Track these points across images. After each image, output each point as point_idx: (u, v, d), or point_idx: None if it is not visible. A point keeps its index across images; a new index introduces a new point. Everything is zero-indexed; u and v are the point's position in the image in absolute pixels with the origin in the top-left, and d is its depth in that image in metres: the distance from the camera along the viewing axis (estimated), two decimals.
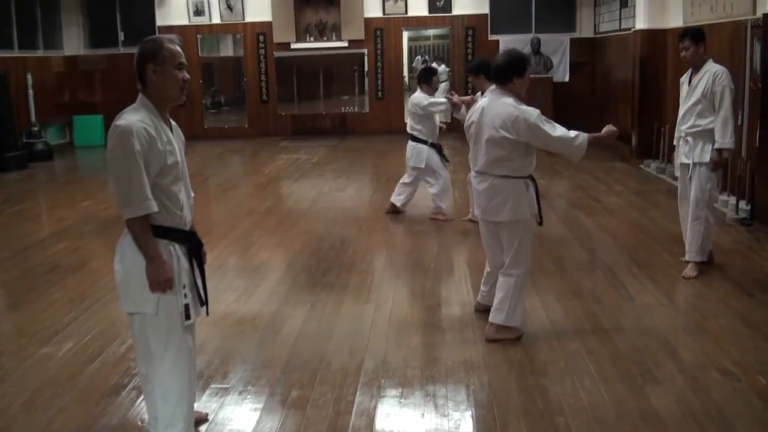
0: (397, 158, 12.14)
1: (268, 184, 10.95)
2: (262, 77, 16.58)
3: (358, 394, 3.98)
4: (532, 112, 4.43)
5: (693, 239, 5.83)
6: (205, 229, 7.94)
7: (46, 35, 15.87)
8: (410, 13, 15.92)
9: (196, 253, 3.26)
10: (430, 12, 15.83)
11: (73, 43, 16.72)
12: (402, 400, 3.91)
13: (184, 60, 3.14)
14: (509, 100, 4.52)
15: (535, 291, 5.50)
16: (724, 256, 6.27)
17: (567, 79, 14.68)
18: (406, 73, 18.84)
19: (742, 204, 7.58)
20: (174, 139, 3.17)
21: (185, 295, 3.16)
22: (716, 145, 5.63)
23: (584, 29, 15.39)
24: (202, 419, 3.71)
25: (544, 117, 4.47)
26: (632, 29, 11.39)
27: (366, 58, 16.22)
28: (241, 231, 7.87)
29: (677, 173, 6.13)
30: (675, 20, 9.97)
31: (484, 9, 15.69)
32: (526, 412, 3.73)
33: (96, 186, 10.72)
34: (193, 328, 3.35)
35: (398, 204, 8.23)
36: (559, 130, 4.45)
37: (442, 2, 15.77)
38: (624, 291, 5.55)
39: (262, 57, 16.51)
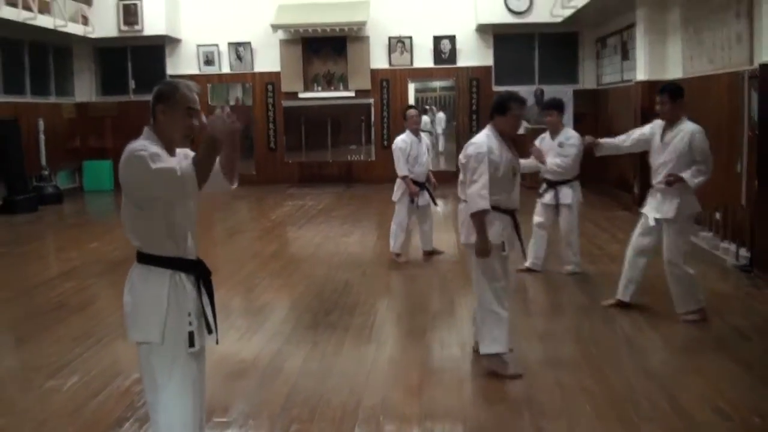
0: None
1: (273, 229, 11.09)
2: (270, 125, 16.88)
3: (356, 430, 4.04)
4: (470, 148, 4.83)
5: (677, 293, 5.86)
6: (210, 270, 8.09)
7: (59, 82, 16.30)
8: (416, 65, 16.26)
9: (204, 281, 3.32)
10: (435, 63, 16.18)
11: (85, 90, 17.13)
12: None
13: (195, 106, 3.20)
14: (481, 134, 4.91)
15: (534, 332, 5.59)
16: (723, 302, 6.33)
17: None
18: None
19: (743, 251, 7.65)
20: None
21: (190, 323, 3.22)
22: (683, 174, 5.59)
23: (587, 81, 15.71)
24: None
25: (483, 159, 4.72)
26: (633, 81, 11.62)
27: (372, 108, 16.50)
28: (245, 273, 7.98)
29: (640, 223, 6.11)
30: (674, 72, 10.16)
31: (488, 61, 16.07)
32: None
33: (104, 228, 10.87)
34: (202, 357, 3.37)
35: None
36: (477, 185, 4.72)
37: (447, 54, 16.11)
38: (622, 333, 5.62)
39: (270, 106, 16.83)
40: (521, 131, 4.73)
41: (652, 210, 5.89)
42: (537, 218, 7.62)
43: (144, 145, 3.05)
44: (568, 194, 7.36)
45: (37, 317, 6.45)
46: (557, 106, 7.51)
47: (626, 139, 6.23)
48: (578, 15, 13.67)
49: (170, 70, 16.87)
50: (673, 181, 5.62)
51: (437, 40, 16.11)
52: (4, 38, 14.03)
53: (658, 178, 5.83)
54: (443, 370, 4.96)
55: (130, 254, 3.14)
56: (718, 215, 8.41)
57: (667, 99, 5.74)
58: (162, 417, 3.21)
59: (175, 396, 3.20)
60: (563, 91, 15.08)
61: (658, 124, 5.96)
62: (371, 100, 16.48)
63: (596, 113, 14.81)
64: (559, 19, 14.48)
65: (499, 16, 15.14)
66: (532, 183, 8.01)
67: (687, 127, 5.72)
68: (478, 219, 4.73)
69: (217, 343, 3.42)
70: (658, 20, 10.89)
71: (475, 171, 4.74)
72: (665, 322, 5.81)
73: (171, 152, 3.22)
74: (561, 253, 7.63)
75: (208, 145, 2.97)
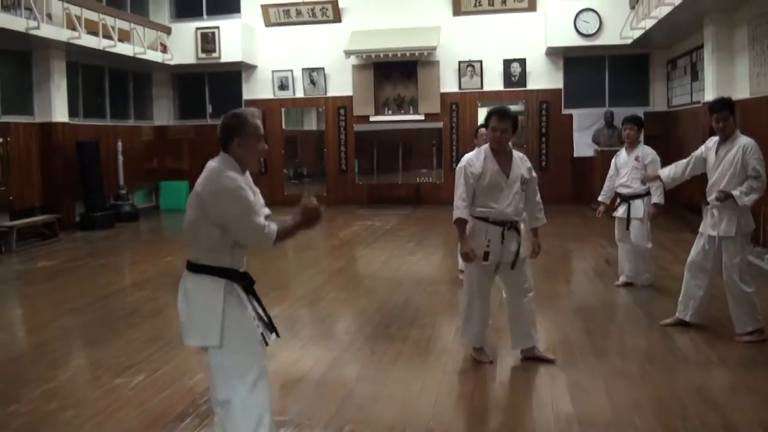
0: None
1: (341, 247, 11.37)
2: (342, 148, 17.23)
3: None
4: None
5: (735, 312, 5.82)
6: (278, 283, 8.45)
7: (138, 107, 17.10)
8: (486, 88, 16.39)
9: (251, 288, 3.56)
10: (505, 87, 16.25)
11: (163, 114, 17.90)
12: None
13: (262, 132, 3.52)
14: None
15: (592, 351, 5.65)
16: None
17: None
18: None
19: None
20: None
21: (258, 325, 3.47)
22: (732, 191, 5.60)
23: (657, 103, 15.59)
24: None
25: (461, 172, 5.23)
26: (701, 102, 11.50)
27: (442, 132, 16.68)
28: (312, 287, 8.24)
29: (699, 243, 6.05)
30: (742, 92, 10.06)
31: (558, 84, 16.11)
32: None
33: (179, 244, 11.28)
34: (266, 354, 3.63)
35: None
36: (456, 195, 5.23)
37: (516, 77, 16.19)
38: (678, 352, 5.61)
39: (342, 129, 17.18)
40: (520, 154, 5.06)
41: (709, 228, 5.88)
42: (616, 234, 7.84)
43: (235, 179, 3.34)
44: (640, 208, 7.50)
45: (109, 322, 6.86)
46: (636, 120, 7.71)
47: (686, 167, 6.18)
48: (647, 36, 13.62)
49: (246, 95, 17.47)
50: (723, 198, 5.63)
51: (507, 63, 16.22)
52: (85, 64, 14.81)
53: (713, 196, 5.82)
54: (496, 380, 5.08)
55: None
56: None
57: (728, 114, 5.72)
58: (240, 414, 3.42)
59: (251, 393, 3.42)
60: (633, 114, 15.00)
61: (712, 141, 5.96)
62: (441, 124, 16.67)
63: (667, 135, 14.64)
64: (628, 41, 14.44)
65: (569, 39, 15.18)
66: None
67: (740, 141, 5.73)
68: (458, 227, 5.21)
69: (278, 335, 3.69)
70: (725, 39, 10.82)
71: (456, 183, 5.24)
72: (723, 342, 5.78)
73: (245, 174, 3.51)
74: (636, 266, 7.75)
75: (297, 225, 3.43)
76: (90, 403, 4.73)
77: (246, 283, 3.54)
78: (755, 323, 5.77)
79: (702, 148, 6.08)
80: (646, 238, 7.54)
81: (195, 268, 3.44)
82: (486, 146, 5.27)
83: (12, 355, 5.99)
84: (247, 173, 3.59)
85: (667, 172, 6.35)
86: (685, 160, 6.21)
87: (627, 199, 7.59)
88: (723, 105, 5.80)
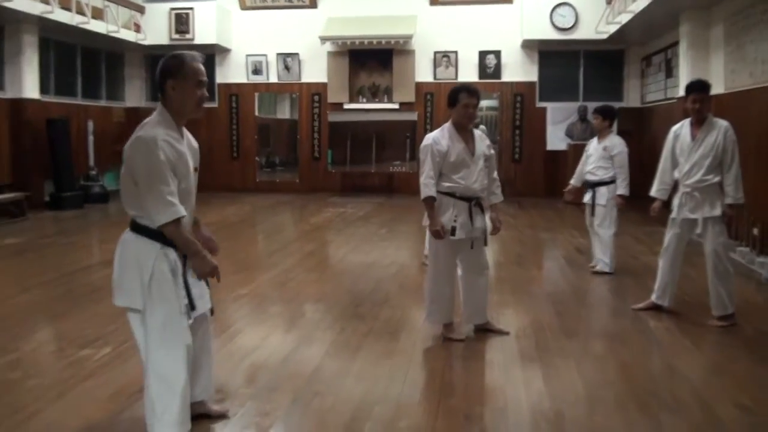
0: None
1: (312, 232, 11.25)
2: (315, 135, 17.10)
3: (375, 408, 4.12)
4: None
5: (716, 292, 5.80)
6: (247, 264, 8.33)
7: (110, 87, 16.83)
8: (460, 79, 16.29)
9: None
10: (480, 78, 16.19)
11: (135, 95, 17.61)
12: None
13: (204, 78, 3.34)
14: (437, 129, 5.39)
15: (563, 332, 5.60)
16: (757, 312, 6.25)
17: None
18: None
19: None
20: (187, 150, 3.38)
21: (184, 297, 3.34)
22: (729, 201, 5.68)
23: (631, 99, 15.69)
24: (222, 414, 3.86)
25: (427, 150, 5.20)
26: (676, 98, 11.55)
27: (417, 123, 16.61)
28: (281, 268, 8.11)
29: (674, 230, 6.03)
30: (717, 87, 10.05)
31: (533, 77, 16.14)
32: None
33: None
34: (202, 329, 3.61)
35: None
36: (422, 174, 5.22)
37: (492, 69, 16.18)
38: (650, 334, 5.60)
39: (316, 116, 17.05)
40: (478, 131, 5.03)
41: (687, 211, 5.86)
42: (586, 220, 7.98)
43: (155, 133, 3.16)
44: (604, 195, 7.61)
45: (75, 298, 6.68)
46: (602, 110, 7.81)
47: (671, 171, 6.05)
48: (623, 32, 13.68)
49: (219, 79, 17.28)
50: (731, 216, 5.75)
51: (482, 54, 16.22)
52: (58, 41, 14.53)
53: (693, 179, 5.80)
54: (465, 358, 5.02)
55: None
56: (756, 231, 8.31)
57: (704, 95, 5.73)
58: (154, 381, 3.33)
59: (167, 360, 3.30)
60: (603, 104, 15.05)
61: (682, 126, 5.95)
62: (415, 114, 16.60)
63: (640, 131, 14.72)
64: (604, 36, 14.47)
65: (544, 32, 15.19)
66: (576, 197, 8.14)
67: (720, 123, 5.75)
68: (427, 204, 5.17)
69: (212, 314, 3.63)
70: (701, 36, 10.89)
71: (422, 162, 5.23)
72: (696, 326, 5.76)
73: (180, 127, 3.35)
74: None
75: (190, 252, 3.28)
76: (54, 374, 4.58)
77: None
78: (730, 307, 5.77)
79: (670, 139, 6.04)
80: (608, 225, 7.62)
81: (134, 226, 3.32)
82: (448, 124, 5.28)
83: None
84: (187, 134, 3.46)
85: (657, 186, 6.20)
86: (664, 166, 6.10)
87: (593, 186, 7.73)
88: (701, 86, 5.80)
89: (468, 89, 5.23)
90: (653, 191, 6.15)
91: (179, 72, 3.27)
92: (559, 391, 4.34)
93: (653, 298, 6.18)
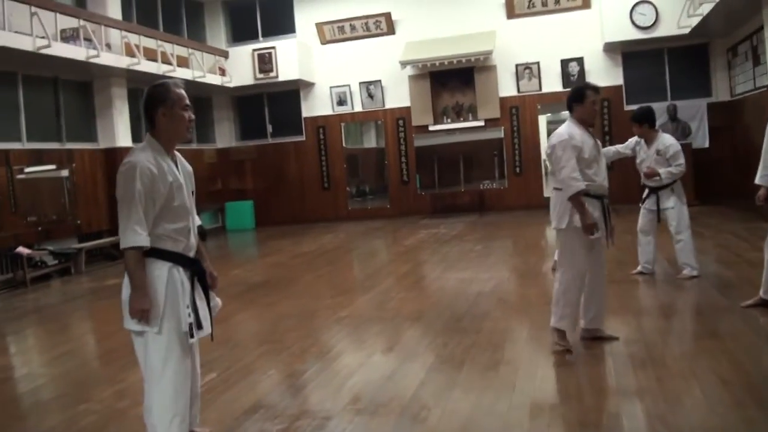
0: (536, 228, 12.25)
1: (407, 253, 11.25)
2: (402, 159, 17.18)
3: (483, 420, 4.05)
4: (553, 139, 5.07)
5: None
6: (345, 287, 8.40)
7: (200, 130, 17.37)
8: (544, 90, 16.16)
9: (199, 278, 3.50)
10: (564, 87, 15.91)
11: (225, 136, 18.16)
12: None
13: (188, 102, 3.46)
14: (562, 126, 5.16)
15: (672, 334, 5.46)
16: None
17: (707, 144, 14.30)
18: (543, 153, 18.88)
19: None
20: (180, 174, 3.45)
21: (189, 315, 3.37)
22: None
23: (720, 93, 15.09)
24: None
25: (566, 146, 4.96)
26: (766, 86, 11.03)
27: (503, 139, 16.48)
28: (379, 290, 8.15)
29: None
30: None
31: (618, 80, 15.77)
32: None
33: (245, 259, 11.42)
34: (195, 348, 3.61)
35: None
36: (567, 169, 4.91)
37: (575, 76, 15.89)
38: (762, 331, 5.34)
39: (401, 140, 17.14)
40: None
41: None
42: (640, 224, 7.67)
43: (136, 160, 3.28)
44: (669, 198, 7.33)
45: None
46: (634, 117, 7.44)
47: None
48: (705, 24, 13.22)
49: (305, 113, 17.65)
50: None
51: (565, 63, 15.98)
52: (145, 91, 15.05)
53: None
54: (577, 367, 4.89)
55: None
56: None
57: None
58: (156, 405, 3.35)
59: (169, 385, 3.33)
60: (697, 105, 14.61)
61: None
62: (501, 130, 16.47)
63: (732, 125, 14.16)
64: (686, 30, 14.05)
65: (625, 33, 14.88)
66: None
67: None
68: (577, 200, 4.92)
69: (212, 339, 3.65)
70: None
71: (561, 159, 4.97)
72: None
73: (171, 152, 3.44)
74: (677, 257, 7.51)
75: (133, 285, 3.30)
76: None
77: (195, 269, 3.48)
78: None
79: None
80: (685, 225, 7.33)
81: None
82: (572, 121, 5.13)
83: (84, 360, 6.11)
84: (181, 159, 3.54)
85: (762, 172, 5.85)
86: None
87: (655, 190, 7.42)
88: None
89: (593, 87, 5.16)
90: (758, 178, 5.85)
91: (167, 99, 3.39)
92: (673, 394, 4.18)
93: (761, 293, 5.90)
